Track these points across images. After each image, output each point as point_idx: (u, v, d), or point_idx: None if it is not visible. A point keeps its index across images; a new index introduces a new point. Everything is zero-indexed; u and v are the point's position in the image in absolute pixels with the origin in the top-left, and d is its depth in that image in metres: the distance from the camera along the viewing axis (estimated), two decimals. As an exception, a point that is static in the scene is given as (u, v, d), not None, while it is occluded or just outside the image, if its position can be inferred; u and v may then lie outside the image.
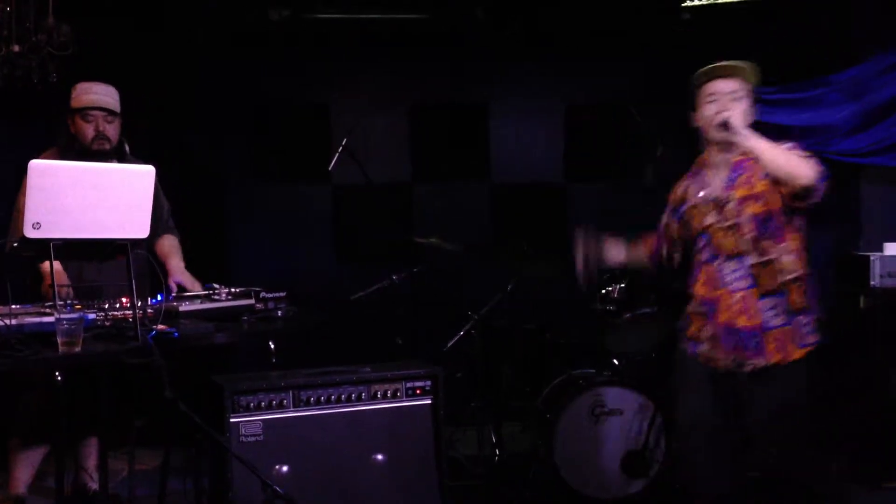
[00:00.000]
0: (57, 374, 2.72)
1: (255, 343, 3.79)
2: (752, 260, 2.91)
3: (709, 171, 3.06)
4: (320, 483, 3.44)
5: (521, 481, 4.17)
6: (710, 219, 2.99)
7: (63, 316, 2.63)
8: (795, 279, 2.92)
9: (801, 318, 2.93)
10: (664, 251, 3.27)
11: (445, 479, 3.69)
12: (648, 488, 4.06)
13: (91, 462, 3.90)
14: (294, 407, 3.43)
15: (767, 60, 5.68)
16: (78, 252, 3.16)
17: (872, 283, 4.57)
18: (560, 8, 5.62)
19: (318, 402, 3.47)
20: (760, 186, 2.91)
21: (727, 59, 2.97)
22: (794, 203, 2.89)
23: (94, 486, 3.86)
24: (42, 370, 2.96)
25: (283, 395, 3.42)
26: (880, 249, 4.83)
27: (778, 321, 2.90)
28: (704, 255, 3.02)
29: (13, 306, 2.85)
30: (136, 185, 2.86)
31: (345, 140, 4.66)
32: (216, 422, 3.31)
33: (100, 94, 3.65)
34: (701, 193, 3.04)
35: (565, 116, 6.08)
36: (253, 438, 3.34)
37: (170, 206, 3.95)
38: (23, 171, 2.72)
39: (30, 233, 2.66)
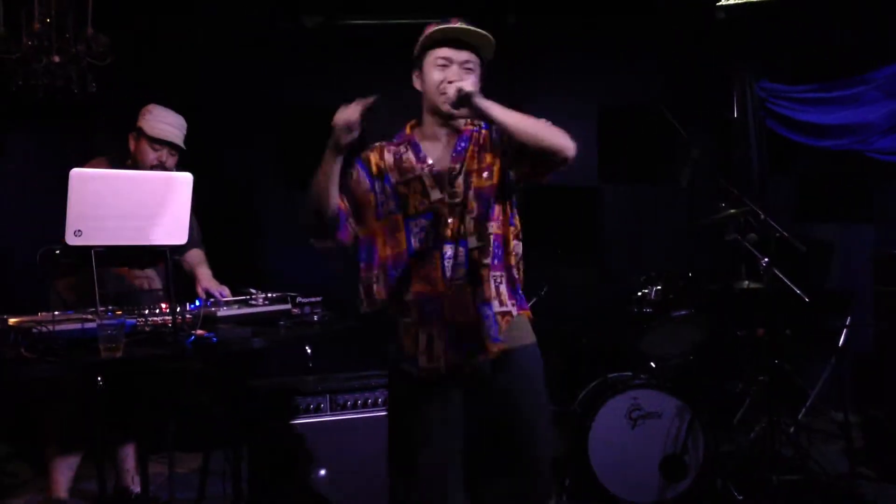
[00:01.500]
0: (99, 378, 2.76)
1: (292, 348, 3.82)
2: (472, 244, 2.51)
3: (426, 142, 2.63)
4: (356, 486, 3.45)
5: (557, 485, 4.15)
6: (435, 195, 2.54)
7: (105, 321, 2.67)
8: (497, 266, 2.53)
9: (500, 308, 2.53)
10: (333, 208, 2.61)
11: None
12: (688, 492, 4.02)
13: (131, 465, 3.95)
14: (331, 411, 3.46)
15: (803, 58, 5.69)
16: (118, 259, 3.20)
17: (914, 282, 4.50)
18: (592, 9, 5.60)
19: (354, 406, 3.49)
20: (489, 159, 2.56)
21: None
22: (535, 174, 2.49)
23: (135, 489, 3.91)
24: (82, 375, 3.00)
25: (320, 399, 3.45)
26: (922, 249, 4.75)
27: (491, 311, 2.50)
28: (421, 242, 2.53)
29: (55, 312, 2.89)
30: (175, 191, 2.90)
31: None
32: (254, 425, 3.34)
33: (173, 128, 3.69)
34: (426, 165, 2.58)
35: (598, 118, 6.05)
36: (290, 442, 3.37)
37: (198, 225, 3.94)
38: (65, 180, 2.75)
39: (71, 240, 2.70)
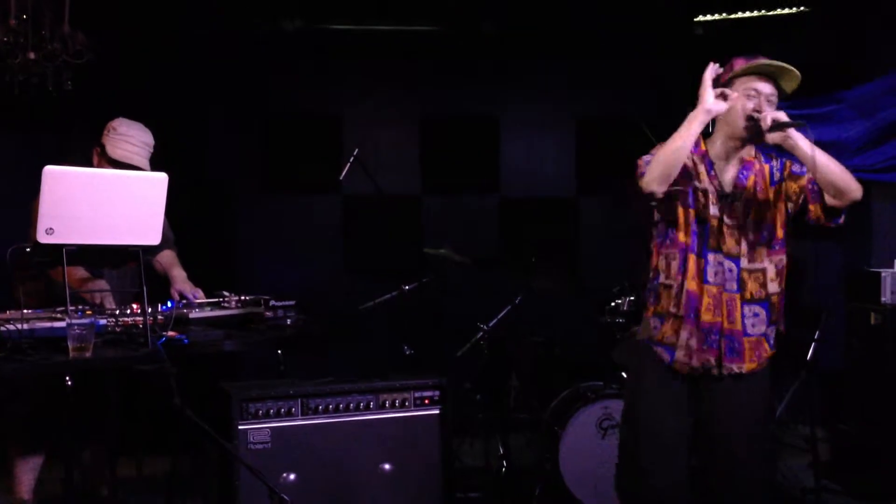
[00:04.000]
0: (67, 378, 2.74)
1: (264, 351, 3.80)
2: (744, 264, 2.87)
3: (717, 161, 2.95)
4: (327, 491, 3.44)
5: (527, 494, 4.16)
6: (714, 210, 2.89)
7: (74, 321, 2.64)
8: (779, 293, 2.91)
9: (772, 329, 2.93)
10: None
11: (452, 490, 3.69)
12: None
13: (99, 468, 3.91)
14: (302, 415, 3.44)
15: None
16: (90, 258, 3.17)
17: (883, 299, 4.54)
18: (571, 22, 5.64)
19: (326, 411, 3.48)
20: (771, 192, 2.91)
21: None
22: (822, 219, 2.87)
23: (103, 491, 3.87)
24: (49, 374, 2.97)
25: (291, 403, 3.43)
26: (891, 266, 4.80)
27: (757, 330, 2.89)
28: (695, 246, 2.89)
29: (25, 311, 2.86)
30: (149, 192, 2.88)
31: (356, 151, 4.68)
32: (224, 429, 3.32)
33: (137, 148, 3.55)
34: (713, 182, 2.92)
35: (576, 130, 6.09)
36: (261, 446, 3.35)
37: (168, 224, 3.87)
38: (37, 179, 2.72)
39: (43, 238, 2.68)
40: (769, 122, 2.77)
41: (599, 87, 6.09)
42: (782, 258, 2.91)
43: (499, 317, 4.51)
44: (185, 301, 3.51)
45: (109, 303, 3.30)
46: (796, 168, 2.92)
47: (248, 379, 3.72)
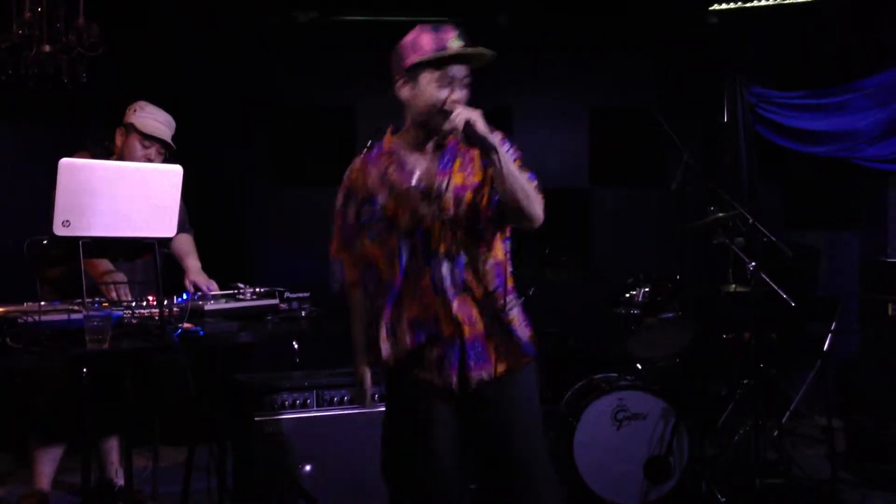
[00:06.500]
0: (84, 369, 2.75)
1: (280, 343, 3.81)
2: (465, 260, 2.48)
3: (410, 155, 2.55)
4: (342, 482, 3.46)
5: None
6: (424, 209, 2.47)
7: (92, 313, 2.65)
8: (499, 286, 2.52)
9: (512, 325, 2.56)
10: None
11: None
12: (672, 494, 4.03)
13: (115, 458, 3.93)
14: (317, 406, 3.46)
15: (794, 65, 5.72)
16: (105, 250, 3.19)
17: (900, 289, 4.52)
18: (584, 11, 5.61)
19: (341, 402, 3.50)
20: (478, 176, 2.51)
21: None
22: (502, 220, 2.52)
23: (119, 482, 3.90)
24: (66, 366, 2.99)
25: (306, 394, 3.45)
26: (908, 256, 4.78)
27: (495, 328, 2.52)
28: (416, 258, 2.48)
29: (42, 303, 2.88)
30: (165, 184, 2.89)
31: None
32: (240, 420, 3.34)
33: (165, 127, 3.67)
34: (412, 180, 2.51)
35: (590, 120, 6.06)
36: (277, 437, 3.37)
37: (184, 206, 3.92)
38: (52, 171, 2.73)
39: (59, 230, 2.69)
40: (459, 124, 2.39)
41: (613, 76, 6.05)
42: (496, 246, 2.54)
43: (512, 308, 4.50)
44: (200, 293, 3.53)
45: (125, 294, 3.32)
46: None
47: (263, 371, 3.73)
